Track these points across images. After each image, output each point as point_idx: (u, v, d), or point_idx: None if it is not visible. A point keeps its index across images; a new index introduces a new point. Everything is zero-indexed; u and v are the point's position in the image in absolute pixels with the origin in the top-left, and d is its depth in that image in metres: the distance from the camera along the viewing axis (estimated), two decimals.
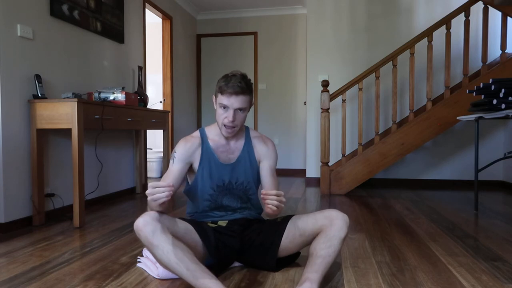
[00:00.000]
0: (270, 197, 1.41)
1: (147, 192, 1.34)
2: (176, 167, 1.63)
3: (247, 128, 1.80)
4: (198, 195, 1.71)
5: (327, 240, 1.49)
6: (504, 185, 4.12)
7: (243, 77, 1.62)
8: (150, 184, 1.34)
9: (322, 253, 1.46)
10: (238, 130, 1.70)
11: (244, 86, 1.58)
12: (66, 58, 2.90)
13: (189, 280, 1.35)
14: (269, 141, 1.81)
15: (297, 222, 1.63)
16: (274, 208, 1.42)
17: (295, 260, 1.78)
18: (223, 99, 1.59)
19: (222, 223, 1.71)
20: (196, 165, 1.68)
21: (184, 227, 1.53)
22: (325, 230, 1.52)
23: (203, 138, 1.71)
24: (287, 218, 1.67)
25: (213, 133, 1.73)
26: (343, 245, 2.06)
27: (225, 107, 1.60)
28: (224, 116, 1.61)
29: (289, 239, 1.62)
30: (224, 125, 1.63)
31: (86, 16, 3.07)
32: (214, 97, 1.68)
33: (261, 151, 1.76)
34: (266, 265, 1.67)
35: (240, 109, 1.61)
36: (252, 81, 5.52)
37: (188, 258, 1.36)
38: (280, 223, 1.67)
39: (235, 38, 5.68)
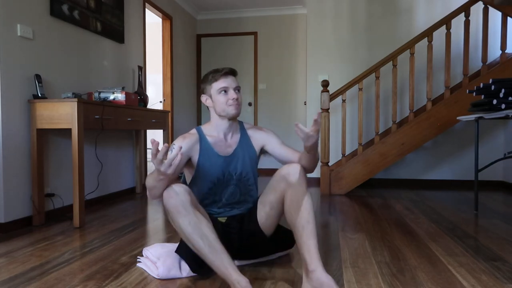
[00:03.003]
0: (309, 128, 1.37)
1: (158, 166, 1.31)
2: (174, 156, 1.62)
3: (240, 123, 1.83)
4: (198, 190, 1.71)
5: (296, 207, 1.47)
6: (504, 185, 4.12)
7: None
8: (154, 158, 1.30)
9: (300, 225, 1.45)
10: (236, 122, 1.77)
11: (232, 69, 1.70)
12: (66, 58, 2.90)
13: (207, 256, 1.38)
14: (263, 128, 1.86)
15: (262, 199, 1.68)
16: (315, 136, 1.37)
17: (292, 245, 1.83)
18: (221, 83, 1.66)
19: (222, 219, 1.73)
20: (195, 160, 1.69)
21: (203, 211, 1.58)
22: (287, 193, 1.52)
23: (201, 135, 1.73)
24: (256, 200, 1.74)
25: (210, 130, 1.75)
26: (343, 245, 2.06)
27: (225, 90, 1.65)
28: (226, 98, 1.66)
29: (265, 217, 1.67)
30: (230, 105, 1.66)
31: (86, 16, 3.07)
32: (204, 96, 1.73)
33: (260, 137, 1.80)
34: (263, 248, 1.75)
35: (237, 90, 1.68)
36: (252, 81, 5.57)
37: (211, 236, 1.39)
38: (252, 207, 1.74)
39: (235, 38, 5.68)
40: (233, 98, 1.64)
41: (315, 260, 1.39)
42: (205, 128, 1.76)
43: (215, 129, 1.74)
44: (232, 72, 1.68)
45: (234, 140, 1.76)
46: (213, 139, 1.72)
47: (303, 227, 1.45)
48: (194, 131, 1.75)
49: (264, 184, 1.66)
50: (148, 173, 4.43)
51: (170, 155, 1.62)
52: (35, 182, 2.54)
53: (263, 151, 1.82)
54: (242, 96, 1.75)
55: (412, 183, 4.39)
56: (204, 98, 1.73)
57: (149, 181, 1.44)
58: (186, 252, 1.61)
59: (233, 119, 1.72)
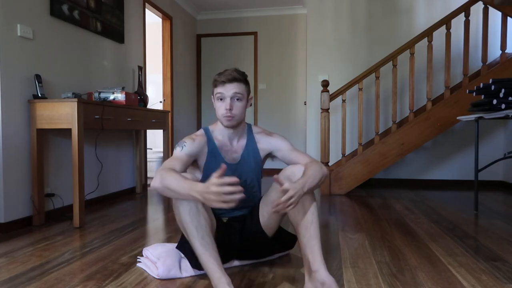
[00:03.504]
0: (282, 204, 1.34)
1: (216, 190, 1.21)
2: (184, 154, 1.57)
3: (249, 126, 1.79)
4: None
5: (300, 208, 1.46)
6: (504, 185, 4.12)
7: (236, 69, 1.65)
8: (215, 181, 1.21)
9: (304, 225, 1.45)
10: (240, 127, 1.71)
11: (236, 75, 1.60)
12: (66, 58, 2.90)
13: (197, 248, 1.37)
14: (273, 133, 1.80)
15: (265, 199, 1.66)
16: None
17: (294, 244, 1.83)
18: (218, 89, 1.61)
19: (223, 219, 1.73)
20: (201, 163, 1.67)
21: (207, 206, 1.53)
22: None
23: (209, 137, 1.70)
24: (258, 201, 1.72)
25: (217, 133, 1.72)
26: (343, 245, 2.06)
27: (221, 98, 1.61)
28: (222, 107, 1.61)
29: (267, 217, 1.65)
30: (224, 116, 1.62)
31: (86, 16, 3.07)
32: (212, 96, 1.70)
33: (268, 143, 1.75)
34: (264, 248, 1.74)
35: (237, 98, 1.60)
36: (252, 81, 5.57)
37: (207, 229, 1.38)
38: (254, 208, 1.71)
39: (235, 38, 5.68)
40: (226, 109, 1.58)
41: (318, 260, 1.39)
42: (213, 129, 1.73)
43: (220, 132, 1.71)
44: (233, 79, 1.59)
45: (240, 144, 1.73)
46: (220, 143, 1.70)
47: (306, 228, 1.45)
48: (201, 132, 1.72)
49: (267, 184, 1.66)
50: (148, 174, 4.42)
51: (179, 151, 1.56)
52: (35, 182, 2.54)
53: (270, 156, 1.79)
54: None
55: (412, 183, 4.39)
56: (212, 99, 1.69)
57: (173, 184, 1.33)
58: (186, 249, 1.61)
59: (231, 127, 1.68)
